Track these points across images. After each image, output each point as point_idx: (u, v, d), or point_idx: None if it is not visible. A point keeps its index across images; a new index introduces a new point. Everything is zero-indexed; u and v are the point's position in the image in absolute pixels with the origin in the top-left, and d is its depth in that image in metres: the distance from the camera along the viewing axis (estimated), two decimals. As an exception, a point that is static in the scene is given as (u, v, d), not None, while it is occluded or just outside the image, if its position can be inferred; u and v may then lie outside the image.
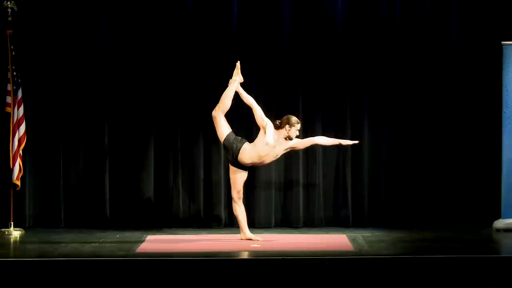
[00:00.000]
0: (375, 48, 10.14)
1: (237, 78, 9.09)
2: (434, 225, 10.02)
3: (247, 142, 8.98)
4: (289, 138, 8.92)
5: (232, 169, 9.03)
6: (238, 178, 9.02)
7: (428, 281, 7.69)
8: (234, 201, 9.05)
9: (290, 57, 10.12)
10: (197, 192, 10.16)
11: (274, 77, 10.12)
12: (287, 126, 8.88)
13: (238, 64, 9.12)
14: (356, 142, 9.26)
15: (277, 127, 8.93)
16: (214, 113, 9.04)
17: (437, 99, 10.12)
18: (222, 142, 9.07)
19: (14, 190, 9.80)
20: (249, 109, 9.17)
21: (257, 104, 9.02)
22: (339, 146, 9.39)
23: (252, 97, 9.14)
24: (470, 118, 10.11)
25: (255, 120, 9.06)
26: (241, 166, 8.99)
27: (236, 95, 9.10)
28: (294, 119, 8.92)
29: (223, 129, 9.01)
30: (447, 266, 7.81)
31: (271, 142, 8.90)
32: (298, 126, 8.92)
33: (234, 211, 9.10)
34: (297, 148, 9.19)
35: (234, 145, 8.93)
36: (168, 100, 10.13)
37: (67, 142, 10.13)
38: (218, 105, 9.03)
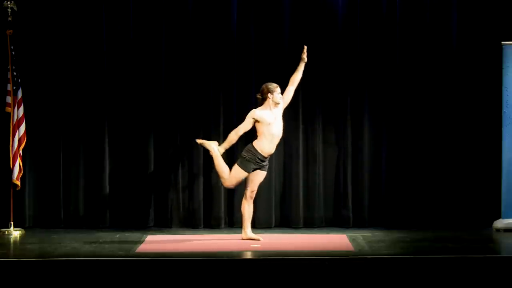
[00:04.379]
0: (375, 47, 10.13)
1: (213, 146, 9.14)
2: (434, 225, 10.02)
3: (251, 143, 9.06)
4: (276, 104, 9.05)
5: (255, 172, 9.09)
6: (258, 178, 9.10)
7: (428, 281, 7.69)
8: (246, 199, 9.09)
9: (290, 57, 10.09)
10: (197, 192, 10.15)
11: (274, 76, 10.08)
12: (269, 94, 9.04)
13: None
14: (305, 47, 9.26)
15: (261, 101, 9.08)
16: (224, 184, 9.23)
17: (437, 99, 10.11)
18: (250, 170, 9.04)
19: (14, 190, 9.80)
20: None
21: (239, 128, 9.07)
22: (304, 62, 9.28)
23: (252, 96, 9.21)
24: (470, 118, 10.11)
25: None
26: (264, 165, 9.08)
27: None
28: (272, 85, 9.08)
29: (236, 168, 9.07)
30: (447, 266, 7.81)
31: (271, 120, 9.02)
32: (278, 89, 9.08)
33: (242, 209, 9.10)
34: (287, 102, 9.24)
35: (251, 154, 8.99)
36: (168, 100, 10.12)
37: (67, 142, 10.13)
38: (224, 180, 9.13)
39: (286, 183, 10.22)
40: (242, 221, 9.16)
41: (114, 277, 7.72)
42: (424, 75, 10.11)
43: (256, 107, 9.13)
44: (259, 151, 9.03)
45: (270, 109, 9.06)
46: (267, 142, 9.04)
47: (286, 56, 10.10)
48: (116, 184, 10.13)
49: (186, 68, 10.12)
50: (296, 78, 9.25)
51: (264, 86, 9.10)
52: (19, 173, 9.75)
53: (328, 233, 9.73)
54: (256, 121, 9.02)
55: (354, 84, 10.15)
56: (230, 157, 9.66)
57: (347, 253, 8.44)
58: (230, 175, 9.11)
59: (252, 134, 9.20)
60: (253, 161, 9.02)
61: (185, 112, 10.12)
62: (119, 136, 10.14)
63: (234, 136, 9.10)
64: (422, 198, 10.10)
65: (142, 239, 9.25)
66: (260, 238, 9.07)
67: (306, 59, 9.24)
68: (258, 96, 9.11)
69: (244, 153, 9.07)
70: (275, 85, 9.09)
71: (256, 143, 9.05)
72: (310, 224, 10.16)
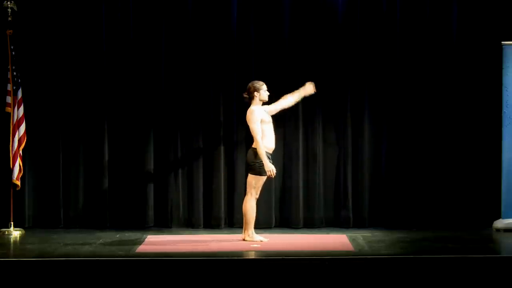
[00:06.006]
0: (375, 47, 10.13)
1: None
2: (434, 225, 10.02)
3: (253, 147, 9.00)
4: (262, 101, 9.04)
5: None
6: (263, 179, 9.04)
7: (428, 281, 7.69)
8: (251, 199, 9.00)
9: (290, 56, 10.10)
10: (197, 192, 10.15)
11: (274, 76, 10.09)
12: (255, 92, 9.01)
13: None
14: (311, 84, 9.29)
15: (248, 100, 9.05)
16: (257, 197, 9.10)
17: (437, 99, 10.11)
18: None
19: (14, 190, 9.80)
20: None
21: (257, 134, 8.96)
22: (306, 94, 9.32)
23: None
24: (470, 118, 10.11)
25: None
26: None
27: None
28: (258, 83, 9.07)
29: (254, 177, 8.99)
30: (447, 266, 7.81)
31: (269, 117, 9.05)
32: (265, 86, 9.06)
33: (248, 209, 8.98)
34: (272, 112, 9.20)
35: (255, 161, 8.92)
36: (168, 100, 10.12)
37: (67, 142, 10.13)
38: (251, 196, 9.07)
39: (286, 183, 10.21)
40: (245, 222, 9.07)
41: (114, 277, 7.72)
42: (424, 76, 10.11)
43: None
44: (270, 146, 9.02)
45: (259, 106, 9.03)
46: (267, 139, 8.99)
47: (286, 56, 10.10)
48: (116, 184, 10.13)
49: (186, 68, 10.12)
50: (289, 100, 9.25)
51: (250, 84, 9.06)
52: (19, 173, 9.76)
53: (328, 233, 9.73)
54: (257, 123, 8.98)
55: (354, 83, 10.15)
56: (230, 165, 9.68)
57: (347, 253, 8.44)
58: (253, 187, 8.99)
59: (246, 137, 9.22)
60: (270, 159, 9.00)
61: (185, 112, 10.12)
62: (119, 136, 10.13)
63: (262, 143, 8.96)
64: (422, 198, 10.10)
65: (142, 239, 9.25)
66: (262, 239, 9.05)
67: (312, 91, 9.28)
68: (245, 95, 9.06)
69: (254, 160, 8.94)
70: (261, 82, 9.07)
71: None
72: (310, 224, 10.15)
